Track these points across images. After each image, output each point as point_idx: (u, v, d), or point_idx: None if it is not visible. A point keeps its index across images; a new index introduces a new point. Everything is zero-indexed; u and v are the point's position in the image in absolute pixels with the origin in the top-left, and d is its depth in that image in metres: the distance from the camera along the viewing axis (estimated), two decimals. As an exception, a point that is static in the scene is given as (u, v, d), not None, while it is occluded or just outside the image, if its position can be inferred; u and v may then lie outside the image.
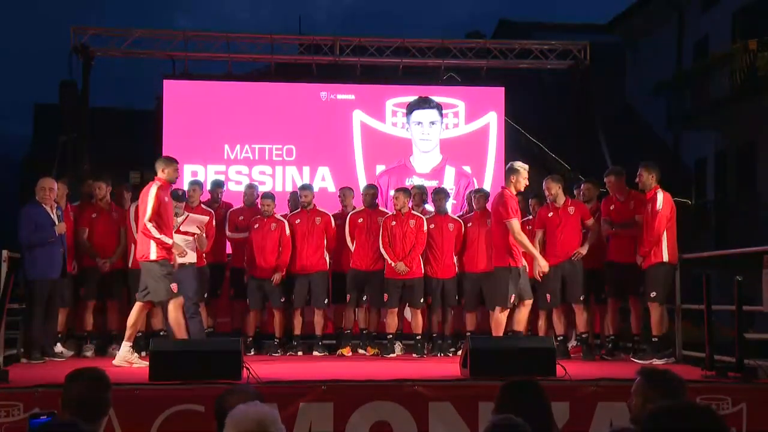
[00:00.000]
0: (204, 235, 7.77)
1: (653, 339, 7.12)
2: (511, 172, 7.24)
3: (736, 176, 15.44)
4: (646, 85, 16.93)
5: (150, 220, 6.80)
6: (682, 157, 16.58)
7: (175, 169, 7.07)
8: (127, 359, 6.78)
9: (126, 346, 6.82)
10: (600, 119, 11.95)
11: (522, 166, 7.27)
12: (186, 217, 7.69)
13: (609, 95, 17.02)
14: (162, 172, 6.98)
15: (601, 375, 5.95)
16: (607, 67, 16.47)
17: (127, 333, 6.89)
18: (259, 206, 8.47)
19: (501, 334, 7.12)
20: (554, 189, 7.80)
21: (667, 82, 16.25)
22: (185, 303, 7.24)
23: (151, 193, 6.81)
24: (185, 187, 8.37)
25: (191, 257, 7.65)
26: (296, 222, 8.47)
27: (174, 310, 6.87)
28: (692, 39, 16.92)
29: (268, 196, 8.52)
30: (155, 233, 6.81)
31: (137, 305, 6.96)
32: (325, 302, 8.42)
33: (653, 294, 7.15)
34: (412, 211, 8.36)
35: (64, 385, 3.42)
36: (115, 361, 6.78)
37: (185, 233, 7.61)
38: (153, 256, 6.83)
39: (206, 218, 7.89)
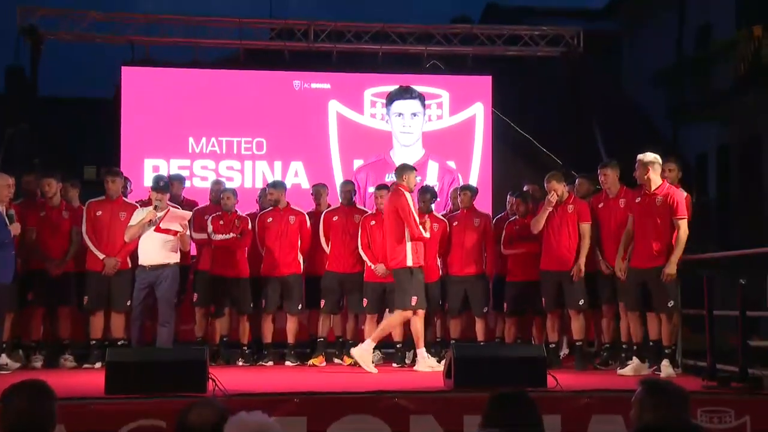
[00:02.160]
0: (187, 233, 7.73)
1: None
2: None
3: (739, 172, 15.57)
4: (644, 75, 17.04)
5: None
6: (682, 151, 16.70)
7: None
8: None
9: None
10: (594, 111, 12.01)
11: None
12: (167, 212, 7.60)
13: (604, 85, 17.09)
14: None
15: (595, 386, 5.97)
16: (603, 55, 16.57)
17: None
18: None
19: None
20: (560, 189, 7.81)
21: (667, 71, 16.35)
22: (161, 308, 7.27)
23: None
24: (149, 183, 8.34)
25: (172, 257, 7.62)
26: (268, 221, 8.45)
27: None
28: (694, 25, 17.04)
29: (229, 189, 8.51)
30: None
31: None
32: (299, 308, 8.40)
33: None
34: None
35: (3, 398, 3.37)
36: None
37: (166, 231, 7.54)
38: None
39: (189, 213, 7.86)
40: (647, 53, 17.90)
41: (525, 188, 8.64)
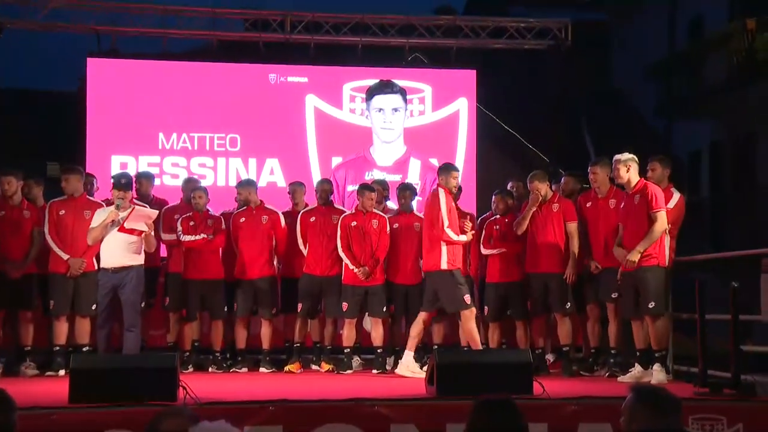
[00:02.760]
0: (153, 233, 7.66)
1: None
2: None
3: (733, 170, 15.70)
4: (634, 69, 17.13)
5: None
6: (675, 148, 16.82)
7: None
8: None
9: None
10: (583, 106, 12.08)
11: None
12: (131, 211, 7.54)
13: (593, 79, 17.19)
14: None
15: (583, 393, 6.01)
16: (592, 48, 16.64)
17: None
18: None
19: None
20: (543, 189, 7.85)
21: (658, 65, 16.46)
22: (126, 312, 7.23)
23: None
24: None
25: (137, 259, 7.58)
26: (241, 221, 8.43)
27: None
28: (686, 18, 17.16)
29: (200, 188, 8.49)
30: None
31: None
32: (273, 312, 8.38)
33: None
34: (375, 210, 8.37)
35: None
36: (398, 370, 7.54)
37: (130, 231, 7.49)
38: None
39: (156, 212, 7.80)
40: (638, 46, 18.00)
41: (509, 185, 8.65)
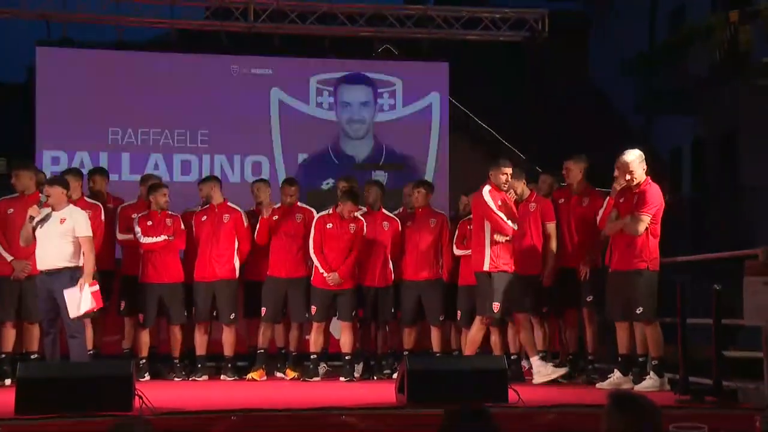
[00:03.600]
0: (87, 233, 7.47)
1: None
2: None
3: (716, 168, 15.88)
4: (613, 62, 17.27)
5: None
6: (655, 145, 16.98)
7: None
8: None
9: None
10: (561, 101, 12.15)
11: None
12: (63, 208, 7.37)
13: (571, 73, 17.31)
14: None
15: (560, 400, 6.04)
16: (570, 40, 16.75)
17: None
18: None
19: None
20: (519, 187, 7.87)
21: (638, 58, 16.60)
22: (65, 319, 7.11)
23: None
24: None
25: (72, 261, 7.42)
26: (202, 220, 8.40)
27: None
28: (667, 8, 17.33)
29: (159, 185, 8.44)
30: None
31: None
32: (231, 317, 8.33)
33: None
34: (353, 214, 8.31)
35: None
36: None
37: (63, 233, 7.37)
38: None
39: (83, 212, 7.65)
40: (617, 38, 18.14)
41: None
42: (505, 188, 7.63)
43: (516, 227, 7.58)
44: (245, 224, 8.39)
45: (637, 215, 6.89)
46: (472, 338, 7.68)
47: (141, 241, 8.14)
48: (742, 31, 13.59)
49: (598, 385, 7.20)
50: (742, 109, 14.27)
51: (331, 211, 8.30)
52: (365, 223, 8.26)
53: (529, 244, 7.81)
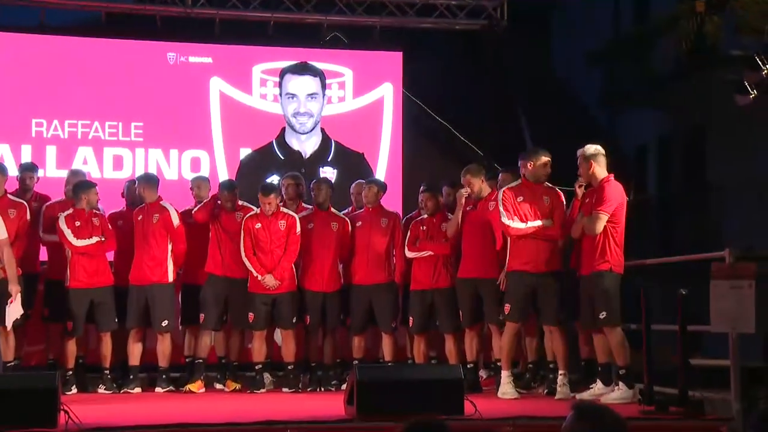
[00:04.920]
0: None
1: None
2: None
3: (683, 166, 16.12)
4: (576, 54, 17.44)
5: None
6: (619, 141, 17.18)
7: None
8: None
9: None
10: (521, 94, 12.22)
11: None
12: None
13: (532, 64, 17.42)
14: None
15: (518, 412, 6.09)
16: (531, 30, 16.86)
17: None
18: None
19: None
20: (476, 185, 7.92)
21: (602, 50, 16.78)
22: None
23: None
24: None
25: None
26: (138, 219, 8.39)
27: None
28: (632, -2, 17.54)
29: (88, 183, 8.37)
30: None
31: None
32: (165, 324, 8.27)
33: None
34: (282, 209, 8.34)
35: None
36: None
37: None
38: None
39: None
40: (581, 28, 18.31)
41: (444, 192, 8.57)
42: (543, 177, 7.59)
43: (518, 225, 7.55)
44: (175, 224, 8.33)
45: (594, 213, 6.98)
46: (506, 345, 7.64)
47: (74, 243, 8.05)
48: (709, 22, 13.77)
49: (578, 396, 7.20)
50: (709, 104, 14.47)
51: (258, 211, 8.29)
52: (297, 219, 8.26)
53: (487, 246, 7.87)
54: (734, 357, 6.35)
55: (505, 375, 7.52)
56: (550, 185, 7.59)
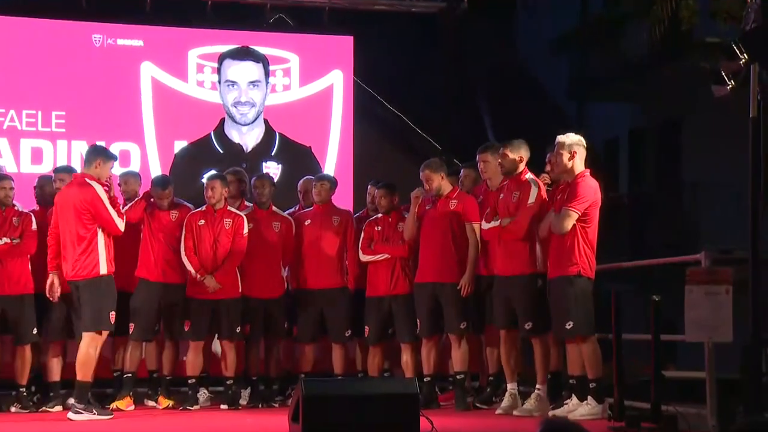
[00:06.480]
0: None
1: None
2: None
3: (656, 162, 16.30)
4: (542, 40, 17.55)
5: None
6: (588, 135, 17.33)
7: None
8: None
9: None
10: (482, 83, 12.28)
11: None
12: None
13: (494, 51, 17.51)
14: None
15: (480, 429, 6.10)
16: (493, 13, 16.95)
17: None
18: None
19: None
20: (436, 181, 7.90)
21: (570, 35, 16.91)
22: None
23: None
24: None
25: None
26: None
27: None
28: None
29: (4, 177, 8.24)
30: None
31: None
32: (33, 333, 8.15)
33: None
34: (228, 207, 8.29)
35: None
36: None
37: None
38: None
39: None
40: (547, 12, 18.44)
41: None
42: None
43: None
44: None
45: (563, 210, 6.96)
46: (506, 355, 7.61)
47: None
48: (684, 7, 13.92)
49: (551, 413, 7.19)
50: (683, 95, 14.62)
51: (204, 208, 8.24)
52: (245, 219, 8.22)
53: (447, 247, 7.85)
54: (710, 369, 6.40)
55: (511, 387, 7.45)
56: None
